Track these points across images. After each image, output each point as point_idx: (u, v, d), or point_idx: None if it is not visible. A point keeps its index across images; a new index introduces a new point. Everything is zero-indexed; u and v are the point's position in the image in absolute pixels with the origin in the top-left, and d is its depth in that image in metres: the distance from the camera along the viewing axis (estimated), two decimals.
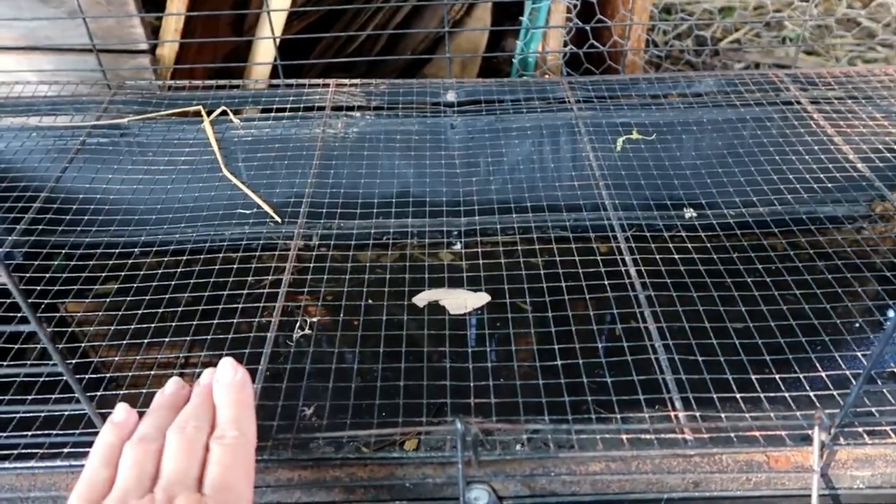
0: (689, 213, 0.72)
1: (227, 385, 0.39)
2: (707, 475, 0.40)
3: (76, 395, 0.37)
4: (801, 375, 0.48)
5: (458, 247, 0.70)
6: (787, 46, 1.38)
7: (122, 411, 0.39)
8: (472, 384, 0.49)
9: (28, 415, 0.46)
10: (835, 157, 0.68)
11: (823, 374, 0.47)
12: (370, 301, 0.57)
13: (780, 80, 0.79)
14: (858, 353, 0.53)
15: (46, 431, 0.43)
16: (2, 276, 0.30)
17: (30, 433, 0.43)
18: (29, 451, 0.42)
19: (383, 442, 0.50)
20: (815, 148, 0.69)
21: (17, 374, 0.51)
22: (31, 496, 0.41)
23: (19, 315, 0.55)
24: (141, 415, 0.39)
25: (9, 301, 0.57)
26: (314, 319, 0.60)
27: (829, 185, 0.65)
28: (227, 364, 0.40)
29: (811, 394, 0.46)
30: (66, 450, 0.42)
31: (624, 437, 0.41)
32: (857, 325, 0.57)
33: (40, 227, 0.63)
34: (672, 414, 0.44)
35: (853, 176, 0.66)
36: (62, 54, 0.87)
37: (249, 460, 0.37)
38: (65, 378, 0.35)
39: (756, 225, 0.65)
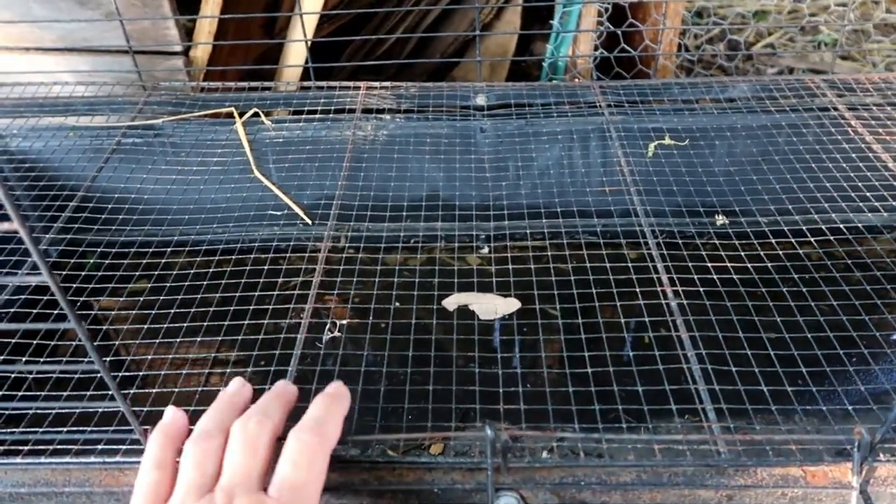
0: (722, 219, 0.71)
1: (326, 392, 0.40)
2: (741, 489, 0.40)
3: (110, 392, 0.37)
4: (838, 388, 0.47)
5: (485, 251, 0.70)
6: (821, 51, 1.36)
7: (170, 413, 0.39)
8: (500, 390, 0.49)
9: (63, 411, 0.47)
10: (873, 165, 0.66)
11: (862, 388, 0.46)
12: (398, 304, 0.57)
13: (816, 86, 0.77)
14: None
15: (81, 428, 0.44)
16: (42, 275, 0.30)
17: (65, 429, 0.44)
18: (64, 446, 0.43)
19: (410, 445, 0.50)
20: (853, 155, 0.67)
21: (52, 371, 0.52)
22: (65, 491, 0.41)
23: (55, 312, 0.56)
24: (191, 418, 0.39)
25: (45, 298, 0.58)
26: (343, 321, 0.61)
27: (867, 192, 0.64)
28: (335, 382, 0.41)
29: (849, 407, 0.45)
30: (99, 446, 0.42)
31: (656, 447, 0.41)
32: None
33: (76, 225, 0.64)
34: (705, 425, 0.43)
35: (892, 184, 0.64)
36: (99, 55, 0.89)
37: (324, 465, 0.36)
38: (98, 375, 0.36)
39: (791, 233, 0.64)
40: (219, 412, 0.38)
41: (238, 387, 0.40)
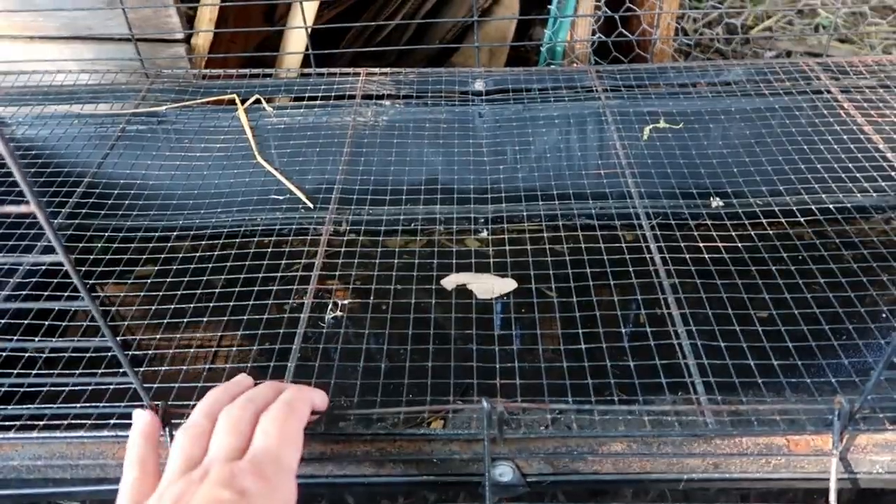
0: (716, 202, 0.72)
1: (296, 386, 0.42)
2: (727, 457, 0.41)
3: (123, 369, 0.39)
4: (823, 362, 0.48)
5: (484, 234, 0.72)
6: (819, 34, 1.36)
7: (140, 416, 0.40)
8: (497, 366, 0.51)
9: (77, 388, 0.48)
10: (864, 147, 0.67)
11: (845, 361, 0.48)
12: (398, 285, 0.59)
13: (810, 69, 0.78)
14: (883, 342, 0.53)
15: (94, 403, 0.45)
16: (58, 256, 0.32)
17: (78, 405, 0.45)
18: (78, 421, 0.44)
19: (411, 421, 0.51)
20: (845, 137, 0.69)
21: (66, 348, 0.54)
22: (80, 463, 0.43)
23: (65, 295, 0.58)
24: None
25: (55, 281, 0.60)
26: (344, 303, 0.62)
27: (858, 174, 0.65)
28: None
29: (833, 380, 0.47)
30: (112, 421, 0.44)
31: (646, 418, 0.43)
32: (884, 314, 0.57)
33: (83, 211, 0.66)
34: (694, 398, 0.45)
35: (882, 166, 0.66)
36: (102, 44, 0.90)
37: (296, 434, 0.38)
38: (110, 354, 0.37)
39: (782, 214, 0.65)
40: (212, 402, 0.40)
41: (238, 378, 0.42)
